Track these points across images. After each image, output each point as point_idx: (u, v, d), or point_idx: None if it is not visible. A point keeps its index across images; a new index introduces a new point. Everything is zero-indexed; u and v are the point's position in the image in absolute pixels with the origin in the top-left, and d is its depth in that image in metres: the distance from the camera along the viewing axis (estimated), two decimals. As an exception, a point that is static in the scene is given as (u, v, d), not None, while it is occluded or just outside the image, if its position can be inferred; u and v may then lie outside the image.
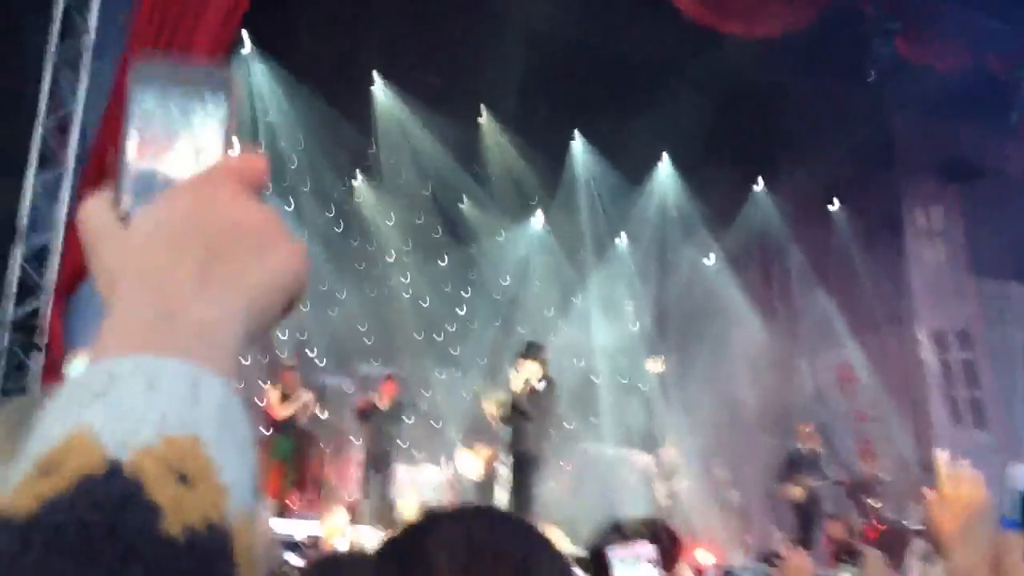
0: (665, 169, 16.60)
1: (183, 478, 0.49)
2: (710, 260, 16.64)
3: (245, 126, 13.99)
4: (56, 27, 9.94)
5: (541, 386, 9.50)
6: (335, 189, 15.10)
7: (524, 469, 9.52)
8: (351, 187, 15.40)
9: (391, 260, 15.33)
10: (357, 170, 15.37)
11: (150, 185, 0.67)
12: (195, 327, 0.56)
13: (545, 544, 1.19)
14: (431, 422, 13.95)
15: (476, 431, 12.69)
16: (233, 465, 0.52)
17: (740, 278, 16.21)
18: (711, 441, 14.52)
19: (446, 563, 1.11)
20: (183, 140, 0.69)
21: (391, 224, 15.39)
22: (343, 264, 14.73)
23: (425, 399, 13.60)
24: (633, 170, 16.22)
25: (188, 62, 0.71)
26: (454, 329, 15.66)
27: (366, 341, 14.58)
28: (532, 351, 9.78)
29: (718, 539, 12.92)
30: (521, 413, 9.39)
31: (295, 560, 7.04)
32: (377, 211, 15.40)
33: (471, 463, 12.44)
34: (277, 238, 0.63)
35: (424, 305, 15.23)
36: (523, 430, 9.42)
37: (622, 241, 16.66)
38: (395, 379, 11.79)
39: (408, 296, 15.21)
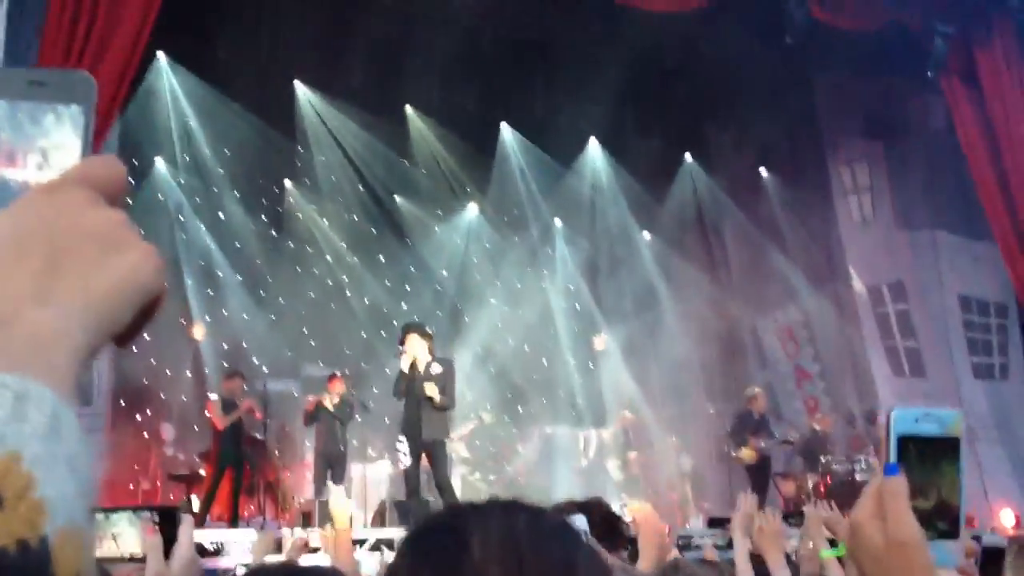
0: (594, 150, 16.70)
1: None
2: (647, 235, 16.78)
3: (166, 133, 13.89)
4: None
5: (437, 368, 9.24)
6: (266, 195, 15.00)
7: (437, 457, 9.29)
8: (282, 191, 15.30)
9: (329, 260, 15.25)
10: (287, 175, 15.27)
11: (3, 194, 0.67)
12: (28, 337, 0.55)
13: (583, 541, 1.17)
14: (384, 419, 13.92)
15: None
16: (58, 481, 0.50)
17: (678, 250, 16.37)
18: (662, 412, 14.69)
19: (487, 561, 1.08)
20: (38, 147, 0.69)
21: (326, 225, 15.32)
22: (281, 268, 14.62)
23: (374, 396, 13.56)
24: (563, 153, 16.29)
25: (43, 69, 0.72)
26: (397, 324, 15.59)
27: (311, 344, 14.52)
28: (407, 330, 9.60)
29: (673, 507, 13.08)
30: (421, 400, 9.13)
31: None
32: (311, 213, 15.33)
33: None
34: (125, 242, 0.62)
35: (366, 303, 15.18)
36: (432, 416, 9.16)
37: (558, 224, 16.74)
38: (340, 377, 11.76)
39: (350, 295, 15.15)
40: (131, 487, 12.16)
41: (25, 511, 0.48)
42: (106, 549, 1.80)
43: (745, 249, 16.48)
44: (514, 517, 1.13)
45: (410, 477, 9.48)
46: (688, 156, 16.89)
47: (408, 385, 9.23)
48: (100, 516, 1.79)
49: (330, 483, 10.85)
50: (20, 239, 0.59)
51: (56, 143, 0.69)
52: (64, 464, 0.51)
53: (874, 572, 1.32)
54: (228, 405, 11.14)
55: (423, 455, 9.31)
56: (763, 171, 16.81)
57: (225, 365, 13.11)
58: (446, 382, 9.22)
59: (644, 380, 14.97)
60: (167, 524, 1.89)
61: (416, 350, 9.25)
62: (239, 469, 10.94)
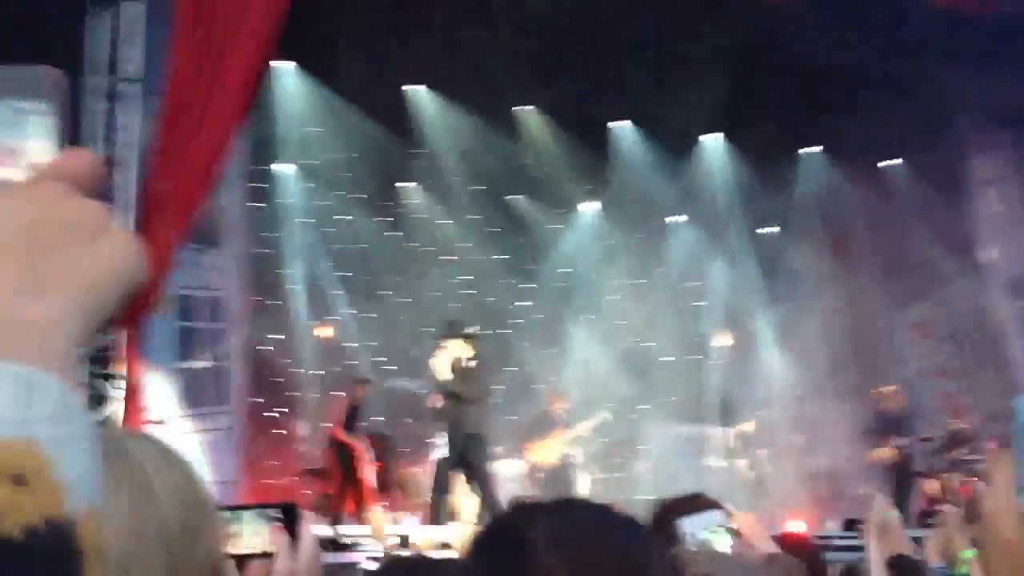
0: (712, 143, 16.48)
1: (19, 479, 0.49)
2: (769, 230, 16.45)
3: (290, 140, 14.25)
4: (103, 66, 10.14)
5: (472, 364, 9.40)
6: (387, 197, 15.27)
7: (474, 452, 9.36)
8: (403, 193, 15.51)
9: (450, 260, 15.41)
10: (407, 177, 15.51)
11: None
12: (24, 328, 0.56)
13: (651, 538, 1.16)
14: (512, 415, 13.99)
15: (544, 423, 12.70)
16: (73, 461, 0.52)
17: (804, 245, 16.00)
18: (791, 410, 14.36)
19: (551, 557, 1.07)
20: (11, 144, 0.69)
21: (447, 225, 15.49)
22: (403, 269, 14.88)
23: (499, 392, 13.62)
24: (679, 148, 16.14)
25: (12, 66, 0.70)
26: (521, 322, 15.69)
27: (433, 342, 14.63)
28: (453, 329, 9.71)
29: (808, 508, 12.75)
30: (455, 396, 9.27)
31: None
32: (431, 213, 15.52)
33: (544, 453, 12.42)
34: (105, 230, 0.63)
35: (488, 301, 15.27)
36: (462, 413, 9.30)
37: (678, 219, 16.56)
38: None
39: (470, 293, 15.26)
40: (268, 482, 12.45)
41: (47, 491, 0.50)
42: (234, 545, 1.87)
43: (875, 243, 15.99)
44: (579, 514, 1.14)
45: (440, 469, 9.66)
46: (812, 148, 16.52)
47: (445, 384, 9.55)
48: (227, 514, 1.86)
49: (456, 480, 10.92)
50: (4, 235, 0.60)
51: (30, 139, 0.68)
52: (76, 445, 0.53)
53: (1003, 565, 1.25)
54: (355, 411, 11.31)
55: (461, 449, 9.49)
56: (891, 162, 16.31)
57: (349, 363, 13.36)
58: (479, 375, 9.49)
59: (773, 377, 14.65)
60: (289, 521, 1.91)
61: (457, 351, 9.49)
62: (348, 470, 11.14)
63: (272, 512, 2.06)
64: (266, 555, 1.93)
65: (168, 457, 1.28)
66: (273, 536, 1.90)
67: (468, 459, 9.38)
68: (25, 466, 0.50)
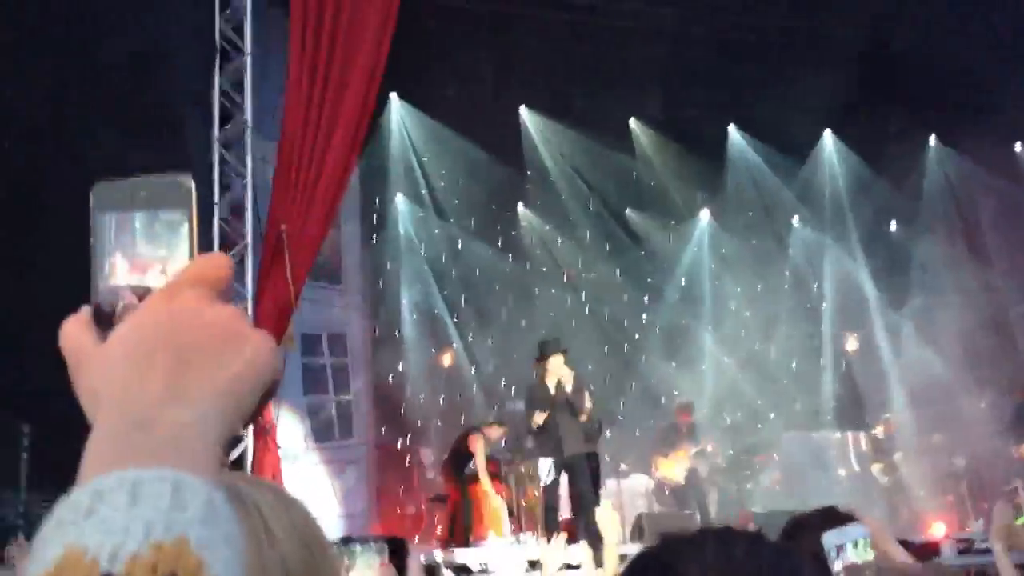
0: (829, 142, 16.09)
1: None
2: (892, 226, 15.96)
3: (403, 171, 14.54)
4: (216, 113, 10.61)
5: (573, 384, 9.26)
6: (500, 221, 15.41)
7: (580, 470, 9.21)
8: (516, 216, 15.66)
9: (566, 280, 15.45)
10: (519, 200, 15.64)
11: (124, 300, 0.72)
12: (170, 433, 0.59)
13: (807, 568, 1.13)
14: (635, 431, 13.92)
15: (671, 436, 12.56)
16: (221, 559, 0.54)
17: (931, 238, 15.47)
18: (927, 410, 13.86)
19: None
20: (149, 254, 0.74)
21: (559, 244, 15.54)
22: (520, 292, 14.96)
23: (622, 410, 13.56)
24: (795, 149, 15.83)
25: (146, 177, 0.76)
26: (639, 337, 15.61)
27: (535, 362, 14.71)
28: (550, 348, 9.52)
29: (949, 510, 12.28)
30: (568, 411, 9.12)
31: None
32: (543, 235, 15.60)
33: (671, 467, 12.30)
34: (243, 334, 0.66)
35: (606, 317, 15.25)
36: (571, 431, 9.14)
37: (796, 222, 16.22)
38: (587, 393, 11.78)
39: (588, 312, 15.27)
40: (398, 510, 12.69)
41: None
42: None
43: (1006, 231, 15.33)
44: (731, 547, 1.09)
45: (549, 494, 9.51)
46: (933, 138, 15.97)
47: (551, 404, 9.29)
48: (340, 547, 1.96)
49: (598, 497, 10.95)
50: (147, 345, 0.64)
51: (166, 246, 0.74)
52: (224, 544, 0.55)
53: None
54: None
55: (563, 471, 9.36)
56: (1018, 147, 15.63)
57: (467, 390, 13.50)
58: (582, 390, 9.34)
59: (905, 377, 14.18)
60: (397, 555, 2.01)
61: (560, 371, 9.33)
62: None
63: (380, 546, 2.17)
64: None
65: (283, 499, 1.32)
66: (382, 571, 1.97)
67: (573, 479, 9.32)
68: (180, 566, 0.52)
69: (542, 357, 9.53)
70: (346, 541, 2.07)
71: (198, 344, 0.64)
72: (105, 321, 0.71)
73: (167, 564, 0.52)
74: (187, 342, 0.64)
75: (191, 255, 0.74)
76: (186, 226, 0.74)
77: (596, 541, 8.69)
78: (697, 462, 12.42)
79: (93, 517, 0.53)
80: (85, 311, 0.72)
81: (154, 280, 0.73)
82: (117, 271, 0.74)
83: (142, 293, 0.72)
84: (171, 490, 0.55)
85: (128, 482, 0.55)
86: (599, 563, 6.38)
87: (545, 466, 9.50)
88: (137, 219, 0.75)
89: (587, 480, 9.31)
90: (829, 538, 2.52)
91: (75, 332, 0.70)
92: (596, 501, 9.12)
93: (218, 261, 0.70)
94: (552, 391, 9.28)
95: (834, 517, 2.86)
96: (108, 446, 0.60)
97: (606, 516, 6.95)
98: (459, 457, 11.41)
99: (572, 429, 9.20)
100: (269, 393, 0.67)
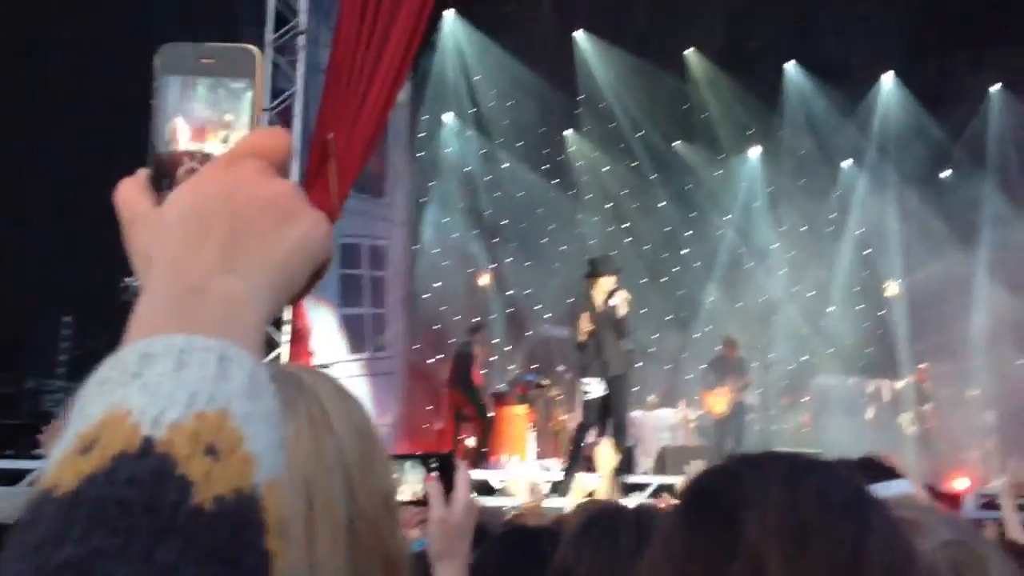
0: (888, 84, 15.73)
1: (212, 451, 0.51)
2: (948, 174, 15.64)
3: (454, 89, 14.45)
4: (271, 17, 10.60)
5: (616, 300, 8.90)
6: (548, 145, 15.31)
7: (621, 392, 9.04)
8: (564, 141, 15.54)
9: (610, 207, 15.37)
10: (568, 125, 15.50)
11: (184, 165, 0.72)
12: (221, 302, 0.59)
13: (878, 517, 1.03)
14: (662, 365, 13.97)
15: (720, 370, 12.56)
16: (261, 435, 0.54)
17: (985, 189, 15.14)
18: (961, 363, 13.73)
19: (766, 542, 0.98)
20: (211, 120, 0.73)
21: (605, 172, 15.43)
22: (562, 217, 14.93)
23: (653, 342, 13.57)
24: (854, 90, 15.49)
25: (212, 45, 0.75)
26: (678, 270, 15.55)
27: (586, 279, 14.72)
28: (603, 267, 9.21)
29: (975, 464, 12.26)
30: (614, 331, 8.85)
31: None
32: (590, 161, 15.49)
33: (714, 401, 12.35)
34: (299, 211, 0.66)
35: (646, 249, 15.19)
36: (612, 351, 8.89)
37: (848, 165, 15.95)
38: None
39: (630, 241, 15.21)
40: (425, 427, 12.89)
41: (238, 463, 0.52)
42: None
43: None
44: (799, 486, 1.01)
45: (590, 410, 9.26)
46: (996, 86, 15.55)
47: (595, 321, 9.00)
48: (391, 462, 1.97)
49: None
50: (203, 212, 0.63)
51: (228, 116, 0.73)
52: (264, 420, 0.55)
53: None
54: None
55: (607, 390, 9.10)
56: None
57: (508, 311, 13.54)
58: (627, 313, 9.00)
59: (941, 329, 14.03)
60: (446, 470, 2.00)
61: (609, 288, 9.04)
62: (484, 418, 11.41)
63: (430, 461, 2.20)
64: (420, 503, 2.08)
65: (342, 392, 1.34)
66: (429, 485, 2.00)
67: (610, 401, 9.09)
68: (219, 438, 0.52)
69: (593, 274, 9.22)
70: (395, 456, 2.10)
71: (254, 216, 0.64)
72: (164, 185, 0.71)
73: (208, 434, 0.52)
74: (243, 213, 0.64)
75: (252, 125, 0.74)
76: (250, 95, 0.74)
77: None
78: (744, 395, 12.45)
79: (138, 380, 0.54)
80: (143, 173, 0.72)
81: (214, 147, 0.73)
82: (178, 136, 0.73)
83: (201, 159, 0.73)
84: (217, 360, 0.55)
85: (176, 348, 0.55)
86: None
87: (591, 383, 9.21)
88: (201, 84, 0.74)
89: (624, 404, 9.20)
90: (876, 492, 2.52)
91: (131, 193, 0.69)
92: (623, 428, 9.10)
93: (278, 134, 0.69)
94: (599, 308, 8.99)
95: (874, 468, 2.86)
96: (159, 309, 0.59)
97: (601, 450, 6.96)
98: (463, 362, 11.51)
99: (615, 350, 8.98)
100: (318, 274, 0.67)
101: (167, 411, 0.52)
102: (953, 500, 9.52)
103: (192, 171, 0.71)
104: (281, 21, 10.64)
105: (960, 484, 11.26)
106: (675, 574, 1.04)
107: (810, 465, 1.06)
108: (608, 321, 8.93)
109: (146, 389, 0.53)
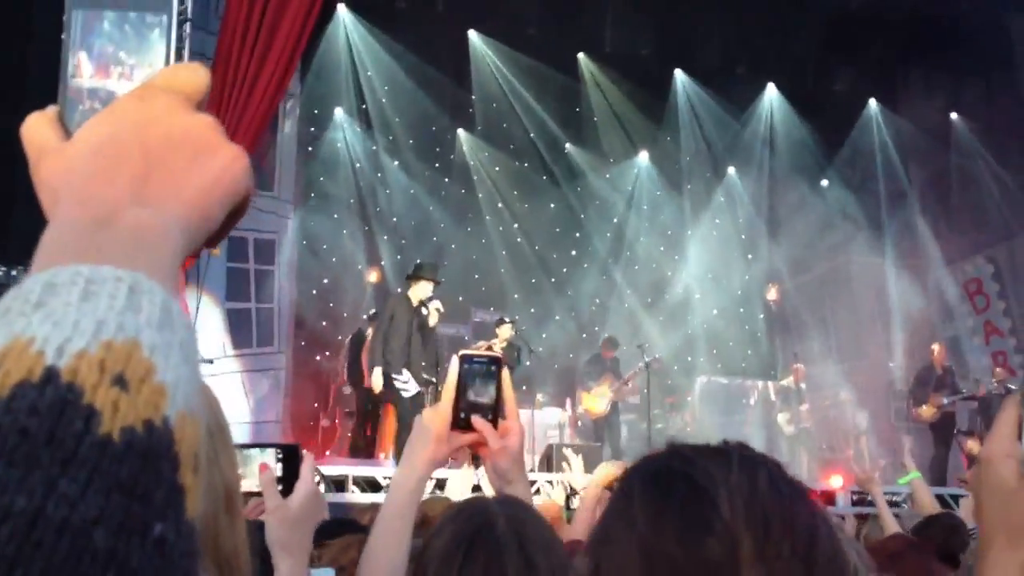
0: (771, 95, 16.22)
1: (121, 381, 0.49)
2: (824, 183, 16.21)
3: (345, 84, 14.32)
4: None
5: (434, 303, 9.51)
6: (439, 143, 15.30)
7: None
8: (455, 139, 15.55)
9: (500, 207, 15.44)
10: (460, 124, 15.52)
11: (93, 100, 0.70)
12: (131, 234, 0.57)
13: (826, 521, 1.07)
14: (553, 364, 14.10)
15: (595, 370, 12.74)
16: (174, 366, 0.52)
17: (856, 198, 15.76)
18: (835, 366, 14.24)
19: (737, 522, 1.00)
20: (125, 57, 0.71)
21: (497, 172, 15.50)
22: (452, 215, 14.93)
23: (542, 341, 13.68)
24: (738, 99, 15.92)
25: None
26: (566, 271, 15.72)
27: (481, 289, 14.79)
28: (424, 271, 9.67)
29: (848, 464, 12.70)
30: (421, 336, 9.38)
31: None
32: (482, 160, 15.53)
33: (595, 401, 12.50)
34: (216, 145, 0.64)
35: (536, 249, 15.32)
36: (417, 354, 9.38)
37: (731, 172, 16.39)
38: (508, 322, 11.89)
39: (519, 242, 15.31)
40: (311, 423, 12.72)
41: (148, 394, 0.50)
42: (244, 484, 1.91)
43: (931, 197, 15.69)
44: (756, 473, 1.04)
45: (403, 404, 9.53)
46: (873, 101, 16.19)
47: (413, 321, 9.38)
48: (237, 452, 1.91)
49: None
50: (115, 144, 0.62)
51: (143, 51, 0.70)
52: (178, 351, 0.53)
53: (998, 513, 1.23)
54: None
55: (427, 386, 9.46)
56: (954, 116, 15.92)
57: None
58: (434, 324, 9.53)
59: (819, 333, 14.52)
60: (290, 461, 1.98)
61: (424, 294, 9.47)
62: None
63: (271, 452, 2.15)
64: (258, 494, 2.02)
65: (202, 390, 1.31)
66: (262, 476, 1.96)
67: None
68: (128, 368, 0.50)
69: (414, 276, 9.63)
70: (241, 447, 2.04)
71: (168, 149, 0.62)
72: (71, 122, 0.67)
73: (115, 364, 0.50)
74: (157, 146, 0.62)
75: (167, 61, 0.71)
76: (162, 31, 0.71)
77: None
78: (618, 396, 12.64)
79: (42, 309, 0.51)
80: (52, 109, 0.68)
81: (119, 84, 0.71)
82: (82, 71, 0.71)
83: (105, 96, 0.70)
84: (127, 291, 0.53)
85: (83, 278, 0.53)
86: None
87: (407, 379, 9.49)
88: (110, 18, 0.71)
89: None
90: None
91: (39, 126, 0.66)
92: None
93: (196, 69, 0.67)
94: (412, 310, 9.34)
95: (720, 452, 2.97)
96: (65, 241, 0.57)
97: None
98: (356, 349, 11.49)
99: (421, 354, 9.32)
100: (237, 212, 0.66)
101: (72, 340, 0.50)
102: (827, 498, 9.88)
103: (95, 108, 0.70)
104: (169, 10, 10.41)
105: (834, 482, 11.64)
106: (642, 551, 1.04)
107: (755, 455, 1.09)
108: (418, 325, 9.24)
109: (50, 318, 0.51)
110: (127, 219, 0.58)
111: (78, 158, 0.62)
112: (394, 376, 9.46)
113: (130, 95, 0.66)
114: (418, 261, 10.17)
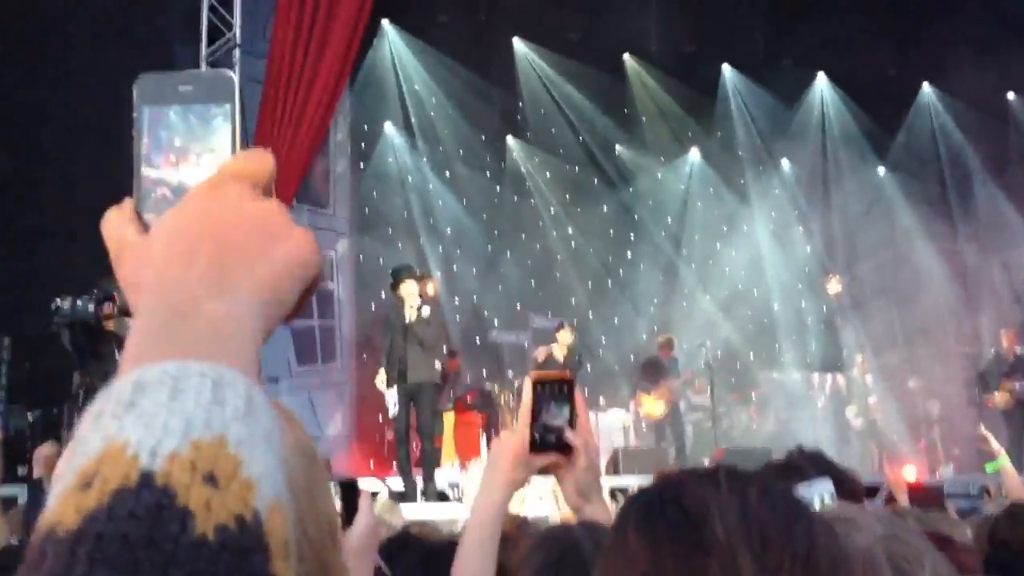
0: (822, 85, 16.05)
1: (212, 479, 0.51)
2: (881, 171, 15.98)
3: (394, 98, 14.44)
4: (204, 31, 10.54)
5: (427, 310, 8.96)
6: (490, 152, 15.35)
7: (421, 398, 9.00)
8: (505, 147, 15.60)
9: (553, 212, 15.45)
10: (509, 131, 15.57)
11: (166, 193, 0.72)
12: (210, 325, 0.59)
13: (816, 519, 1.10)
14: (614, 366, 14.05)
15: (654, 371, 12.66)
16: (260, 459, 0.53)
17: (917, 185, 15.51)
18: (902, 356, 14.01)
19: (732, 542, 1.02)
20: (193, 147, 0.73)
21: (549, 178, 15.51)
22: (505, 223, 14.98)
23: (601, 345, 13.64)
24: (788, 91, 15.80)
25: (189, 72, 0.75)
26: (622, 273, 15.67)
27: (538, 295, 14.79)
28: (401, 273, 9.22)
29: (921, 454, 12.50)
30: (416, 339, 8.86)
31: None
32: (532, 167, 15.56)
33: (652, 403, 12.43)
34: (284, 230, 0.65)
35: (592, 252, 15.30)
36: (418, 358, 8.90)
37: (784, 164, 16.23)
38: (568, 327, 11.87)
39: (573, 246, 15.30)
40: (377, 438, 12.80)
41: (237, 490, 0.51)
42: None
43: (992, 180, 15.38)
44: (747, 491, 1.07)
45: (399, 423, 9.24)
46: (926, 85, 15.94)
47: (398, 328, 9.02)
48: None
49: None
50: (190, 234, 0.63)
51: (209, 141, 0.73)
52: (262, 441, 0.54)
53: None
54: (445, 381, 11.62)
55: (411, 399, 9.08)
56: (1011, 96, 15.61)
57: (457, 318, 13.54)
58: (432, 322, 8.98)
59: (885, 322, 14.30)
60: (348, 495, 1.99)
61: (411, 295, 9.02)
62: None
63: (333, 487, 2.18)
64: None
65: (283, 411, 1.32)
66: None
67: (417, 407, 9.05)
68: (217, 465, 0.51)
69: (393, 283, 9.26)
70: None
71: (241, 238, 0.63)
72: (148, 214, 0.71)
73: (205, 462, 0.51)
74: (230, 235, 0.63)
75: (233, 150, 0.73)
76: (228, 121, 0.74)
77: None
78: (679, 397, 12.56)
79: (134, 411, 0.53)
80: (128, 202, 0.71)
81: (192, 173, 0.73)
82: (158, 163, 0.73)
83: (181, 187, 0.72)
84: (212, 385, 0.54)
85: (169, 376, 0.54)
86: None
87: (390, 398, 9.28)
88: (179, 112, 0.74)
89: (425, 410, 9.06)
90: (801, 491, 2.56)
91: (118, 222, 0.69)
92: (428, 434, 9.04)
93: (260, 156, 0.69)
94: (402, 317, 8.99)
95: (794, 468, 2.89)
96: (148, 336, 0.59)
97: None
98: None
99: (417, 357, 8.93)
100: (309, 291, 0.67)
101: (164, 441, 0.51)
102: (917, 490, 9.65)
103: (166, 198, 0.72)
104: (214, 34, 10.59)
105: (907, 474, 11.46)
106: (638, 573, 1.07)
107: (745, 474, 1.12)
108: (411, 329, 8.89)
109: (141, 419, 0.52)
110: (206, 310, 0.59)
111: (156, 251, 0.64)
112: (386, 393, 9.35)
113: (201, 185, 0.68)
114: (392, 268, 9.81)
